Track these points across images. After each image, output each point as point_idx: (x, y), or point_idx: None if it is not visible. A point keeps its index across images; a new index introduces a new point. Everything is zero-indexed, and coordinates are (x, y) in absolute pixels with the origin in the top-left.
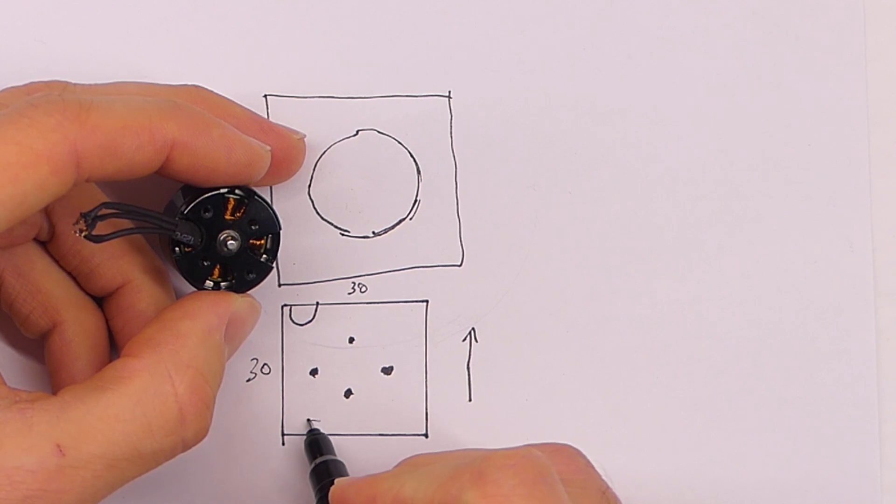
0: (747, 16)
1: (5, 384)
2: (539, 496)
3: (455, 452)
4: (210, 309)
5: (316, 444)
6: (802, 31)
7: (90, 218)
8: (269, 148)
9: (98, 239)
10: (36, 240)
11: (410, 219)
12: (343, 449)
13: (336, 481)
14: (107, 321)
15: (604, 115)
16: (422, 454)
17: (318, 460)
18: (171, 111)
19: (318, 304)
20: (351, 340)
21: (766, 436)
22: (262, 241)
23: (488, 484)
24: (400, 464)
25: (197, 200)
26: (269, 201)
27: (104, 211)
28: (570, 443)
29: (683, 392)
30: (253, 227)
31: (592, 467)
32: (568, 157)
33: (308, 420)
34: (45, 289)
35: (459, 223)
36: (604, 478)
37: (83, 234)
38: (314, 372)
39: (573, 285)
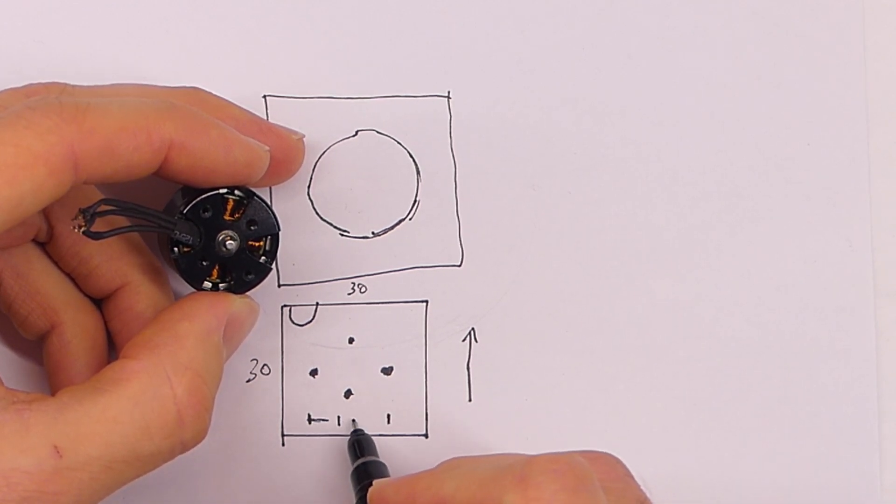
0: (747, 16)
1: (3, 385)
2: (579, 503)
3: (497, 455)
4: (208, 310)
5: (359, 444)
6: (802, 31)
7: (89, 214)
8: (267, 148)
9: (97, 236)
10: (35, 241)
11: (410, 219)
12: (343, 449)
13: (374, 482)
14: (105, 322)
15: (604, 115)
16: (462, 457)
17: (360, 461)
18: (169, 112)
19: (317, 304)
20: (351, 341)
21: (766, 435)
22: (261, 243)
23: (530, 487)
24: (440, 465)
25: (196, 200)
26: (269, 202)
27: (103, 207)
28: (570, 445)
29: (683, 392)
30: (252, 228)
31: (631, 476)
32: (568, 157)
33: (353, 420)
34: (44, 290)
35: (459, 223)
36: (642, 488)
37: (81, 230)
38: (314, 372)
39: (573, 285)
